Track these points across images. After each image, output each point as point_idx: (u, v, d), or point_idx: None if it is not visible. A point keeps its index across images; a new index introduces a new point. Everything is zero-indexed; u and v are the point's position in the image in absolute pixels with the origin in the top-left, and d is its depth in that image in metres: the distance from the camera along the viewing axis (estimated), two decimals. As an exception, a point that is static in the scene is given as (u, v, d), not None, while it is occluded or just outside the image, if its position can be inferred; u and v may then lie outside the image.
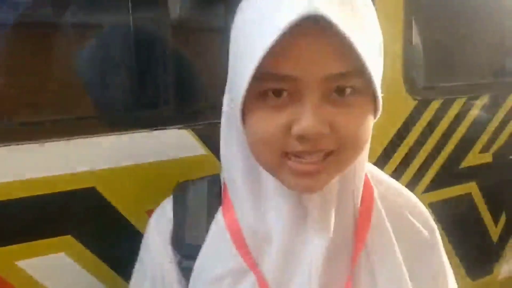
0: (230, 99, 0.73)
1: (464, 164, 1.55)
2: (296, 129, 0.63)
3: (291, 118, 0.64)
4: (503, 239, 1.75)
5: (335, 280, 0.75)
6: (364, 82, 0.64)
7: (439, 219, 1.50)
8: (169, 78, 1.03)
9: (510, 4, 1.70)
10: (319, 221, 0.73)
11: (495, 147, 1.63)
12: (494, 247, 1.73)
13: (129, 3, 0.99)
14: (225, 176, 0.79)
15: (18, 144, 0.89)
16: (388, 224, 0.79)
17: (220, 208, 0.79)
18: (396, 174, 1.39)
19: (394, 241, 0.78)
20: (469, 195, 1.59)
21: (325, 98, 0.64)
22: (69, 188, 0.94)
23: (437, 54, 1.49)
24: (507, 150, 1.67)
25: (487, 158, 1.61)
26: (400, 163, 1.40)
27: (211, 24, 1.13)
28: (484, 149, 1.60)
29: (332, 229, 0.73)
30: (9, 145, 0.88)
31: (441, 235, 1.50)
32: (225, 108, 0.76)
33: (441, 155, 1.48)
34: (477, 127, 1.57)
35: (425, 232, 0.83)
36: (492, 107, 1.60)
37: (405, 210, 0.83)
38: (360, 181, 0.76)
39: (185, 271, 0.79)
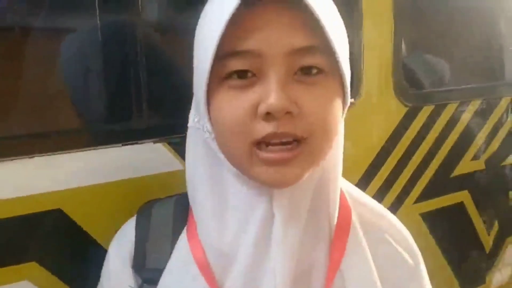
0: (196, 115, 0.71)
1: (456, 172, 1.50)
2: (263, 107, 0.61)
3: (257, 99, 0.61)
4: (495, 248, 1.71)
5: None
6: (330, 63, 0.63)
7: (431, 230, 1.48)
8: (142, 88, 0.95)
9: (501, 9, 1.67)
10: (285, 238, 0.67)
11: (487, 154, 1.58)
12: (486, 256, 1.69)
13: (97, 11, 0.91)
14: (188, 189, 0.75)
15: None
16: (367, 249, 0.74)
17: (185, 229, 0.75)
18: (387, 184, 1.34)
19: (373, 268, 0.74)
20: (461, 204, 1.55)
21: (291, 76, 0.62)
22: (32, 211, 0.86)
23: (427, 60, 1.44)
24: (500, 157, 1.63)
25: (480, 165, 1.57)
26: (391, 172, 1.35)
27: (187, 32, 1.06)
28: (476, 156, 1.55)
29: (295, 247, 0.68)
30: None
31: (433, 245, 1.49)
32: (190, 123, 0.73)
33: (432, 163, 1.43)
34: (469, 134, 1.52)
35: (410, 261, 0.78)
36: (484, 112, 1.55)
37: (387, 234, 0.78)
38: (335, 195, 0.72)
39: None
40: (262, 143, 0.63)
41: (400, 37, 1.29)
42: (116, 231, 0.91)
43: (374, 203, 0.81)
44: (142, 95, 0.95)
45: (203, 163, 0.72)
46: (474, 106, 1.50)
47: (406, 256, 0.78)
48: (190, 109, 0.76)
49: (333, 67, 0.64)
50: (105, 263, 0.79)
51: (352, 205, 0.76)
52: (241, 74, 0.62)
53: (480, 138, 1.55)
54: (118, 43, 0.95)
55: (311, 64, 0.62)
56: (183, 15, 1.02)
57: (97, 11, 0.92)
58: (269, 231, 0.68)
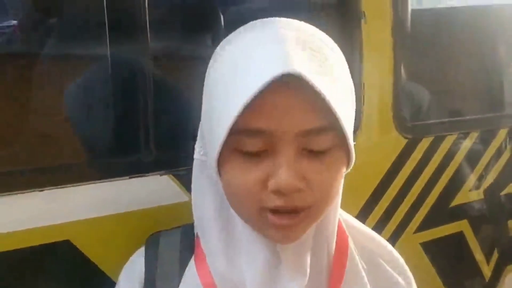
0: (202, 147, 0.75)
1: (455, 202, 1.52)
2: (273, 184, 0.64)
3: (267, 172, 0.65)
4: (495, 277, 1.70)
5: None
6: (338, 137, 0.66)
7: (431, 259, 1.49)
8: (149, 122, 0.98)
9: (499, 40, 1.70)
10: (294, 268, 0.72)
11: (486, 183, 1.60)
12: (486, 286, 1.68)
13: (108, 48, 0.94)
14: (196, 225, 0.79)
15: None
16: (363, 272, 0.79)
17: (193, 259, 0.78)
18: (387, 214, 1.35)
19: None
20: (460, 234, 1.56)
21: (300, 152, 0.65)
22: (40, 243, 0.88)
23: (426, 91, 1.47)
24: (499, 186, 1.64)
25: (478, 195, 1.58)
26: (391, 202, 1.36)
27: (193, 65, 1.09)
28: (475, 186, 1.57)
29: (307, 276, 0.72)
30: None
31: (434, 274, 1.50)
32: (196, 155, 0.77)
33: (432, 193, 1.45)
34: (468, 164, 1.54)
35: (403, 283, 0.82)
36: (482, 143, 1.58)
37: (379, 257, 0.82)
38: (334, 228, 0.77)
39: None
40: (271, 210, 0.66)
41: (399, 70, 1.32)
42: (123, 262, 0.93)
43: (364, 227, 0.85)
44: (149, 128, 0.98)
45: (208, 195, 0.75)
46: (472, 137, 1.53)
47: (399, 278, 0.82)
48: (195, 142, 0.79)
49: (340, 140, 0.66)
50: None
51: (347, 230, 0.80)
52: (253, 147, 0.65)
53: (479, 168, 1.57)
54: (127, 78, 0.98)
55: (320, 150, 0.65)
56: (193, 51, 1.06)
57: (108, 46, 0.96)
58: (274, 266, 0.72)
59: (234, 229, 0.74)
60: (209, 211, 0.75)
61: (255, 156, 0.65)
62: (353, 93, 0.71)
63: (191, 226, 0.82)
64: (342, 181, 0.71)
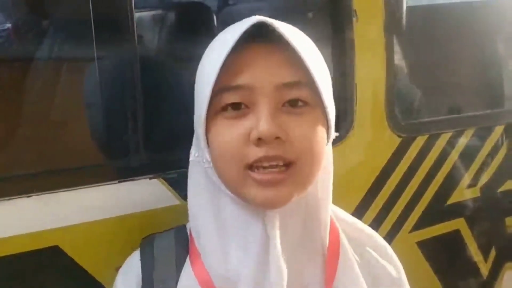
0: (196, 150, 0.79)
1: (452, 200, 1.51)
2: (254, 133, 0.68)
3: (250, 127, 0.69)
4: (493, 275, 1.70)
5: None
6: (314, 96, 0.71)
7: (428, 258, 1.48)
8: (138, 126, 0.97)
9: (492, 37, 1.69)
10: (281, 258, 0.73)
11: (482, 181, 1.59)
12: (484, 283, 1.68)
13: (94, 45, 0.94)
14: (190, 220, 0.81)
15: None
16: (356, 265, 0.81)
17: (188, 258, 0.80)
18: (382, 213, 1.35)
19: (362, 280, 0.81)
20: (457, 232, 1.55)
21: (279, 107, 0.70)
22: (29, 249, 0.88)
23: (420, 90, 1.46)
24: (495, 184, 1.64)
25: (475, 192, 1.57)
26: (386, 201, 1.36)
27: (181, 64, 1.09)
28: (472, 184, 1.56)
29: (291, 266, 0.74)
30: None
31: (431, 273, 1.49)
32: (192, 157, 0.80)
33: (427, 191, 1.44)
34: (464, 162, 1.53)
35: (393, 272, 0.86)
36: (478, 141, 1.57)
37: (368, 247, 0.86)
38: (326, 225, 0.79)
39: None
40: (255, 166, 0.70)
41: (392, 69, 1.31)
42: (114, 266, 0.94)
43: (352, 218, 0.88)
44: (138, 132, 0.98)
45: (203, 193, 0.78)
46: (468, 134, 1.52)
47: (389, 267, 0.85)
48: (185, 145, 0.82)
49: (316, 100, 0.72)
50: None
51: (337, 223, 0.83)
52: (235, 106, 0.70)
53: (475, 166, 1.56)
54: (116, 83, 0.98)
55: (297, 97, 0.71)
56: (182, 55, 1.05)
57: (95, 50, 0.95)
58: (265, 253, 0.73)
59: (226, 222, 0.76)
60: (203, 208, 0.78)
61: (238, 115, 0.70)
62: (329, 78, 0.76)
63: (183, 228, 0.85)
64: (323, 144, 0.73)
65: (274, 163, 0.69)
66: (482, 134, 1.57)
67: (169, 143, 1.05)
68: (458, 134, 1.49)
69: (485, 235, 1.64)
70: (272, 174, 0.69)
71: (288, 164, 0.70)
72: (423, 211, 1.43)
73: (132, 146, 0.98)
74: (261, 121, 0.68)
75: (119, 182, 0.95)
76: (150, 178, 0.98)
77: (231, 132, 0.70)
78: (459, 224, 1.55)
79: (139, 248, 0.84)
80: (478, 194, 1.59)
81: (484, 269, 1.66)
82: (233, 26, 0.73)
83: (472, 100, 1.61)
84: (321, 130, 0.73)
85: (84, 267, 0.92)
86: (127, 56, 0.97)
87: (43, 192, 0.88)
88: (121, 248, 0.95)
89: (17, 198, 0.86)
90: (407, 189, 1.39)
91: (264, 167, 0.69)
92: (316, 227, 0.78)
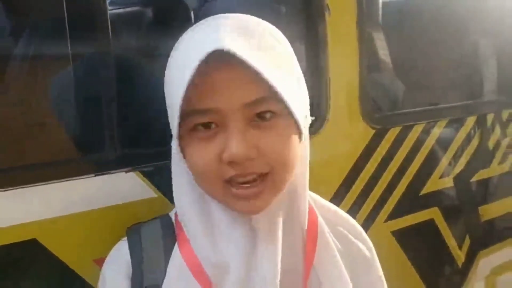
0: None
1: (425, 190, 1.55)
2: (226, 156, 0.71)
3: (221, 147, 0.71)
4: (468, 263, 1.74)
5: None
6: (282, 107, 0.72)
7: (403, 247, 1.52)
8: (114, 120, 0.98)
9: (467, 31, 1.74)
10: (268, 246, 0.78)
11: (455, 171, 1.63)
12: (459, 271, 1.72)
13: (68, 40, 0.95)
14: (178, 214, 0.83)
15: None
16: (333, 244, 0.87)
17: (176, 245, 0.82)
18: (357, 203, 1.38)
19: (339, 259, 0.86)
20: (431, 221, 1.59)
21: (248, 124, 0.72)
22: (7, 242, 0.89)
23: (393, 83, 1.50)
24: (468, 174, 1.68)
25: (448, 182, 1.61)
26: (361, 192, 1.39)
27: (157, 60, 1.11)
28: (445, 174, 1.60)
29: (279, 252, 0.78)
30: None
31: (406, 262, 1.53)
32: (173, 150, 0.82)
33: (401, 182, 1.47)
34: (437, 152, 1.57)
35: (366, 252, 0.92)
36: (451, 131, 1.61)
37: (345, 230, 0.91)
38: (305, 207, 0.83)
39: None
40: (232, 181, 0.74)
41: (365, 62, 1.34)
42: (91, 258, 0.96)
43: (328, 203, 0.93)
44: (113, 126, 0.99)
45: (187, 188, 0.81)
46: (440, 125, 1.56)
47: (362, 247, 0.91)
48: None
49: (285, 109, 0.73)
50: (101, 284, 0.84)
51: (316, 208, 0.88)
52: (206, 125, 0.72)
53: (448, 156, 1.60)
54: (91, 80, 0.99)
55: (264, 110, 0.72)
56: (155, 49, 1.07)
57: (69, 46, 0.97)
58: (253, 242, 0.78)
59: (212, 214, 0.80)
60: (188, 199, 0.81)
61: (209, 135, 0.72)
62: (301, 78, 0.78)
63: (167, 217, 0.88)
64: (296, 151, 0.76)
65: (249, 178, 0.73)
66: (455, 125, 1.61)
67: (144, 137, 1.06)
68: (431, 125, 1.53)
69: (459, 224, 1.68)
70: (249, 188, 0.74)
71: (262, 176, 0.74)
72: (397, 201, 1.46)
73: (107, 140, 0.99)
74: (231, 143, 0.70)
75: (95, 175, 0.96)
76: (126, 172, 1.00)
77: (205, 153, 0.73)
78: (433, 213, 1.58)
79: (126, 237, 0.86)
80: (452, 184, 1.63)
81: (459, 257, 1.71)
82: (196, 39, 0.72)
83: (444, 92, 1.65)
84: (292, 137, 0.75)
85: (62, 259, 0.93)
86: (102, 53, 0.99)
87: (21, 186, 0.89)
88: (98, 240, 0.96)
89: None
90: (382, 179, 1.42)
91: (240, 183, 0.73)
92: (296, 216, 0.83)
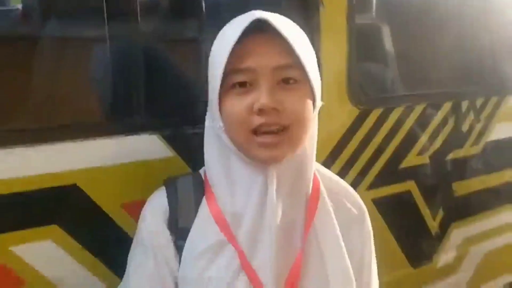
0: (209, 118, 0.99)
1: (403, 165, 1.74)
2: (256, 105, 0.89)
3: (253, 100, 0.90)
4: (441, 232, 1.93)
5: (290, 249, 0.98)
6: (302, 75, 0.92)
7: (382, 213, 1.70)
8: (142, 92, 1.20)
9: (453, 21, 1.92)
10: (276, 202, 0.95)
11: (431, 150, 1.82)
12: (433, 239, 1.91)
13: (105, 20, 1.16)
14: (206, 169, 1.03)
15: (13, 148, 1.05)
16: (330, 207, 1.04)
17: (204, 198, 1.01)
18: (342, 172, 1.57)
19: (335, 219, 1.03)
20: (408, 193, 1.79)
21: (275, 85, 0.91)
22: (54, 185, 1.10)
23: (377, 68, 1.68)
24: (443, 153, 1.87)
25: (424, 159, 1.81)
26: (346, 163, 1.59)
27: (181, 38, 1.32)
28: (421, 152, 1.79)
29: (285, 207, 0.96)
30: (10, 148, 1.05)
31: (383, 228, 1.72)
32: (207, 124, 1.02)
33: (382, 156, 1.67)
34: (415, 132, 1.76)
35: (355, 210, 1.09)
36: (428, 115, 1.80)
37: (341, 196, 1.09)
38: (310, 178, 1.01)
39: (179, 249, 0.99)
40: (257, 131, 0.91)
41: (353, 51, 1.54)
42: (119, 203, 1.17)
43: (332, 174, 1.12)
44: (141, 98, 1.21)
45: (216, 152, 0.99)
46: (418, 109, 1.75)
47: (354, 209, 1.09)
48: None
49: (304, 78, 0.93)
50: (141, 223, 1.03)
51: (319, 177, 1.05)
52: (241, 84, 0.91)
53: (425, 137, 1.79)
54: (122, 54, 1.20)
55: (289, 77, 0.92)
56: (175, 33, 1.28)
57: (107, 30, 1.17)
58: (264, 196, 0.95)
59: (232, 170, 0.98)
60: (216, 164, 0.99)
61: (244, 91, 0.91)
62: (315, 60, 0.97)
63: (199, 173, 1.06)
64: (310, 112, 0.94)
65: (272, 128, 0.91)
66: (432, 110, 1.80)
67: (165, 108, 1.27)
68: (410, 108, 1.73)
69: (433, 197, 1.88)
70: (271, 138, 0.91)
71: (283, 129, 0.91)
72: (378, 172, 1.66)
73: (136, 109, 1.21)
74: (261, 96, 0.89)
75: (126, 135, 1.18)
76: (150, 134, 1.21)
77: (239, 104, 0.91)
78: (409, 186, 1.79)
79: (164, 187, 1.04)
80: (427, 161, 1.83)
81: (433, 227, 1.90)
82: (237, 20, 0.93)
83: (424, 79, 1.84)
84: (308, 102, 0.93)
85: (96, 201, 1.15)
86: (132, 36, 1.20)
87: (68, 140, 1.10)
88: (125, 189, 1.18)
89: (46, 144, 1.08)
90: (365, 152, 1.62)
91: (264, 132, 0.91)
92: (303, 180, 1.00)
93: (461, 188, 1.98)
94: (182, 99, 1.28)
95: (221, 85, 0.91)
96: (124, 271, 1.09)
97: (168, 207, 1.01)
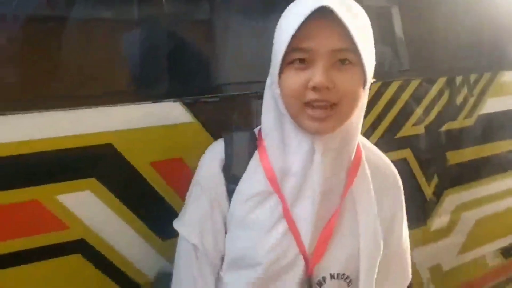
0: (270, 79, 1.08)
1: (400, 134, 1.89)
2: (311, 83, 0.98)
3: (309, 77, 0.98)
4: (435, 197, 2.08)
5: (329, 206, 1.09)
6: (357, 58, 0.99)
7: None
8: (167, 65, 1.37)
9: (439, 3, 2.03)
10: (322, 163, 1.05)
11: (426, 121, 1.96)
12: (427, 204, 2.06)
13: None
14: (262, 129, 1.13)
15: (57, 111, 1.23)
16: (369, 175, 1.13)
17: (257, 152, 1.13)
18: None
19: (371, 186, 1.13)
20: (405, 160, 1.93)
21: (330, 65, 0.98)
22: (93, 143, 1.28)
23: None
24: (438, 124, 2.01)
25: (420, 130, 1.95)
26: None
27: (201, 18, 1.48)
28: (417, 123, 1.94)
29: (328, 170, 1.06)
30: (54, 111, 1.23)
31: None
32: (267, 84, 1.11)
33: (380, 125, 1.82)
34: (411, 105, 1.90)
35: (390, 179, 1.20)
36: (424, 89, 1.94)
37: (380, 166, 1.19)
38: (354, 147, 1.11)
39: (230, 192, 1.13)
40: (310, 104, 0.99)
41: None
42: (148, 162, 1.34)
43: (373, 147, 1.21)
44: (166, 70, 1.37)
45: (272, 113, 1.09)
46: (414, 84, 1.90)
47: (391, 179, 1.20)
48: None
49: (358, 60, 0.99)
50: (200, 166, 1.17)
51: (362, 149, 1.15)
52: (301, 61, 0.99)
53: (420, 109, 1.94)
54: (150, 31, 1.38)
55: (344, 58, 0.99)
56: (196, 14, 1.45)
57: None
58: (311, 159, 1.05)
59: (285, 132, 1.07)
60: (271, 119, 1.08)
61: (302, 67, 0.99)
62: (371, 35, 1.03)
63: (253, 131, 1.17)
64: (360, 93, 1.01)
65: (322, 103, 0.98)
66: (427, 84, 1.95)
67: (187, 78, 1.44)
68: (406, 83, 1.87)
69: (428, 164, 2.01)
70: (320, 112, 0.98)
71: (332, 105, 0.98)
72: (377, 140, 1.81)
73: (162, 79, 1.37)
74: (317, 74, 0.96)
75: (153, 102, 1.35)
76: (174, 101, 1.38)
77: (296, 79, 0.98)
78: (406, 153, 1.93)
79: (222, 138, 1.16)
80: (423, 131, 1.96)
81: (428, 193, 2.05)
82: (303, 2, 0.98)
83: (419, 56, 1.96)
84: (358, 82, 1.00)
85: (128, 159, 1.32)
86: (158, 15, 1.37)
87: (105, 105, 1.28)
88: (153, 148, 1.36)
89: (88, 108, 1.26)
90: (364, 122, 1.76)
91: (316, 106, 0.98)
92: (346, 149, 1.08)
93: (455, 157, 2.11)
94: (200, 71, 1.45)
95: (283, 60, 0.99)
96: (150, 218, 1.27)
97: (224, 155, 1.14)
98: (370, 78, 1.04)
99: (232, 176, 1.13)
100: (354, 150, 1.11)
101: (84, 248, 1.29)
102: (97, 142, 1.29)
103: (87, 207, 1.29)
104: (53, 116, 1.22)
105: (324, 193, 1.07)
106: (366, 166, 1.13)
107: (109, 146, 1.30)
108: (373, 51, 1.04)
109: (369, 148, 1.19)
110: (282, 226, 1.08)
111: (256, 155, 1.13)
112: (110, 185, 1.31)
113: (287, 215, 1.08)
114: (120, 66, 1.36)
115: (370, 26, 1.03)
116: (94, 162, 1.30)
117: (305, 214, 1.07)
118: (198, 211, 1.16)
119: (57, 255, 1.27)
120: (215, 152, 1.16)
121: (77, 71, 1.29)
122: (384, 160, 1.22)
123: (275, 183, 1.09)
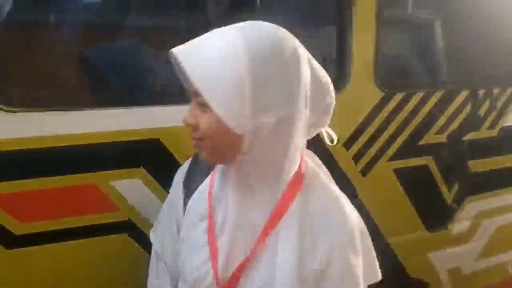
0: None
1: (423, 142, 1.99)
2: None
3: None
4: (456, 204, 2.17)
5: (247, 243, 1.06)
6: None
7: (400, 182, 1.96)
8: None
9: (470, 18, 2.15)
10: (231, 197, 1.07)
11: (449, 130, 2.06)
12: (448, 209, 2.16)
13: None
14: None
15: (112, 109, 1.43)
16: (297, 224, 1.05)
17: (212, 172, 1.15)
18: (368, 143, 1.85)
19: (298, 236, 1.04)
20: (426, 166, 2.04)
21: (197, 106, 1.02)
22: (144, 138, 1.47)
23: (401, 58, 1.96)
24: (460, 133, 2.11)
25: (442, 138, 2.05)
26: (372, 135, 1.86)
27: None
28: (440, 132, 2.04)
29: (238, 204, 1.06)
30: (109, 109, 1.43)
31: (402, 195, 2.00)
32: None
33: (403, 133, 1.93)
34: (434, 115, 2.01)
35: (344, 236, 1.07)
36: (447, 100, 2.04)
37: (325, 212, 1.08)
38: (275, 183, 1.05)
39: (186, 206, 1.19)
40: None
41: (379, 43, 1.83)
42: (186, 154, 1.49)
43: (330, 191, 1.12)
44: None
45: None
46: (437, 95, 2.00)
47: (341, 233, 1.07)
48: None
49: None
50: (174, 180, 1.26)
51: (306, 190, 1.07)
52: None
53: (443, 119, 2.04)
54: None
55: (201, 102, 1.00)
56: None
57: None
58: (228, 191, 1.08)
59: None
60: None
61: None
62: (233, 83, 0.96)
63: None
64: (226, 135, 0.99)
65: (195, 136, 1.03)
66: (450, 96, 2.05)
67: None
68: (430, 94, 1.99)
69: (449, 172, 2.11)
70: (195, 143, 1.05)
71: (201, 139, 1.02)
72: (399, 147, 1.92)
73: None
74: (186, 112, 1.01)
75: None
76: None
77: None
78: (428, 160, 2.04)
79: (191, 157, 1.25)
80: (445, 140, 2.07)
81: (449, 198, 2.15)
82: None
83: (444, 68, 2.09)
84: (221, 124, 0.97)
85: (173, 153, 1.50)
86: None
87: (153, 105, 1.48)
88: (190, 144, 1.52)
89: (140, 107, 1.46)
90: (388, 128, 1.89)
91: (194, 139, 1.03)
92: (263, 183, 1.05)
93: (477, 166, 2.20)
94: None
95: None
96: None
97: (187, 170, 1.23)
98: (221, 114, 0.97)
99: (190, 190, 1.19)
100: (280, 190, 1.05)
101: (130, 227, 1.48)
102: (147, 137, 1.47)
103: (135, 192, 1.47)
104: (110, 113, 1.43)
105: (239, 228, 1.06)
106: (298, 214, 1.06)
107: (157, 140, 1.49)
108: (235, 93, 0.96)
109: (322, 191, 1.10)
110: (205, 252, 1.09)
111: (210, 176, 1.16)
112: (156, 174, 1.49)
113: (211, 242, 1.09)
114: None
115: (232, 69, 0.96)
116: (144, 154, 1.48)
117: (223, 245, 1.07)
118: (162, 221, 1.27)
119: (108, 233, 1.46)
120: (184, 166, 1.26)
121: (140, 77, 1.49)
122: (338, 207, 1.10)
123: (210, 208, 1.11)
